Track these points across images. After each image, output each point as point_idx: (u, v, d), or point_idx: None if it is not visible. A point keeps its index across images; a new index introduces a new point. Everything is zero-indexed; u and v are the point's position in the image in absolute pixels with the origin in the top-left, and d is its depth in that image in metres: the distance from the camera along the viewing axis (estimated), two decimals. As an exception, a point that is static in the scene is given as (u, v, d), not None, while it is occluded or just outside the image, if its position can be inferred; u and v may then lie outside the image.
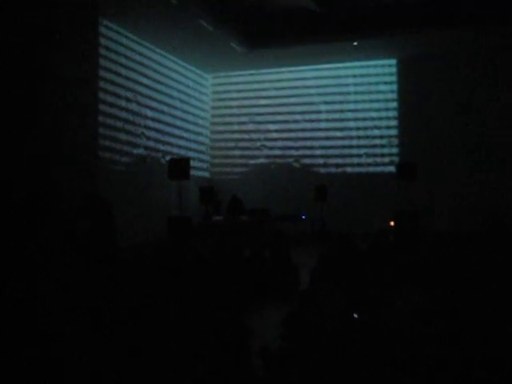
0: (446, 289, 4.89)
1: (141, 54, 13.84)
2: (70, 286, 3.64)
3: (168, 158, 13.24)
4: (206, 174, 17.23)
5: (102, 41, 12.04)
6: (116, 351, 3.91)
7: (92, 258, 3.82)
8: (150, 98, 14.21)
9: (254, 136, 17.23)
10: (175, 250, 6.10)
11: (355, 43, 14.09)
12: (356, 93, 16.11)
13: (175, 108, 15.46)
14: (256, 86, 17.25)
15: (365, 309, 3.97)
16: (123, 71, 13.04)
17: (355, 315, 3.53)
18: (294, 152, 16.72)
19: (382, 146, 15.82)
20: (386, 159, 15.68)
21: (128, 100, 13.19)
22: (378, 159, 15.77)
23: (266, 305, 6.34)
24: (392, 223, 13.04)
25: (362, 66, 16.01)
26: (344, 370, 3.38)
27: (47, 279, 3.48)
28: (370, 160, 15.85)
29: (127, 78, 13.18)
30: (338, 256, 5.64)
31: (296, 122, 16.77)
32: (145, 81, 13.99)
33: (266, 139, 17.07)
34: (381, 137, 15.86)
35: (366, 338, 3.52)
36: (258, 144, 17.15)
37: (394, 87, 15.78)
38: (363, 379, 3.33)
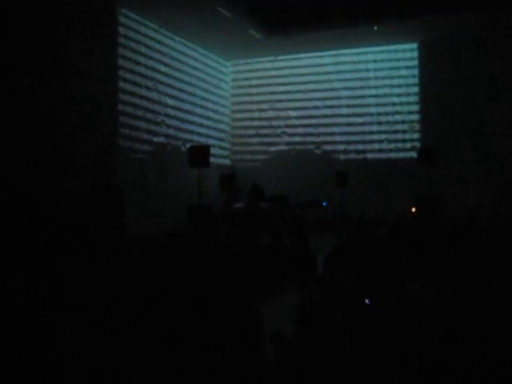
0: (460, 280, 4.84)
1: (160, 43, 13.87)
2: (80, 276, 3.70)
3: (188, 145, 13.28)
4: (227, 162, 17.25)
5: (121, 30, 12.11)
6: (130, 339, 3.97)
7: (104, 246, 3.87)
8: (170, 86, 14.25)
9: (274, 123, 17.19)
10: (194, 238, 6.15)
11: (375, 28, 13.92)
12: (377, 78, 15.94)
13: (195, 96, 15.48)
14: (275, 72, 17.18)
15: (379, 295, 3.96)
16: (142, 60, 13.08)
17: (367, 301, 3.53)
18: (314, 138, 16.65)
19: (404, 132, 15.65)
20: (408, 145, 15.52)
21: (148, 88, 13.25)
22: (400, 145, 15.62)
23: (283, 291, 6.35)
24: (414, 209, 12.93)
25: (382, 51, 15.82)
26: (355, 357, 3.38)
27: (57, 269, 3.54)
28: (391, 146, 15.71)
29: (146, 67, 13.23)
30: (353, 241, 5.62)
31: (316, 108, 16.68)
32: (164, 69, 14.03)
33: (287, 126, 17.02)
34: (402, 122, 15.69)
35: (378, 324, 3.52)
36: (279, 131, 17.10)
37: (416, 72, 15.56)
38: (374, 366, 3.33)
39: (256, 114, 17.46)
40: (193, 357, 3.85)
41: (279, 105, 17.10)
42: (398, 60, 15.70)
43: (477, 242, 7.19)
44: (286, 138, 16.99)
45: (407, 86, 15.63)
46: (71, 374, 3.42)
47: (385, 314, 3.48)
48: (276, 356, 3.71)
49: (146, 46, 13.27)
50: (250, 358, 3.59)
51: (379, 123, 15.89)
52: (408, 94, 15.62)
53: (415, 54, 15.55)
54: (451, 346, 3.32)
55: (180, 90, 14.73)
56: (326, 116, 16.52)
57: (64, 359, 3.45)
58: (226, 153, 17.33)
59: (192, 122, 15.23)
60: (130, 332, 4.14)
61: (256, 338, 3.66)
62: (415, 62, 15.54)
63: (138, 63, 12.92)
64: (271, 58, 17.03)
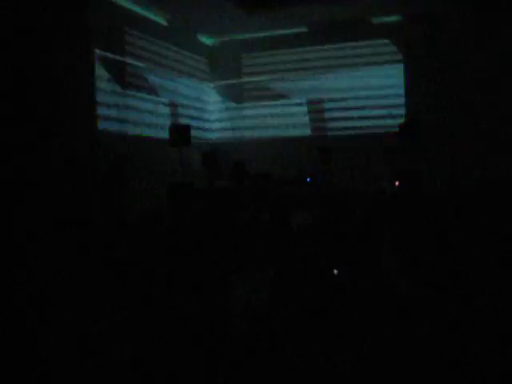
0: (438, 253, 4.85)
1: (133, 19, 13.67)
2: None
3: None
4: (210, 139, 17.18)
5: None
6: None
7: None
8: (145, 61, 14.07)
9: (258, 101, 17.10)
10: (168, 215, 6.13)
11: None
12: (359, 52, 15.84)
13: (172, 73, 15.31)
14: (258, 48, 17.03)
15: (350, 268, 3.96)
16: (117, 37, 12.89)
17: (335, 271, 3.53)
18: (297, 115, 16.58)
19: (387, 107, 15.63)
20: (391, 120, 15.48)
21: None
22: (383, 120, 15.58)
23: (261, 267, 6.36)
24: (397, 183, 12.98)
25: (368, 27, 15.69)
26: (324, 329, 3.39)
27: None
28: (375, 120, 15.68)
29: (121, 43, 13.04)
30: (329, 215, 5.63)
31: (297, 84, 16.58)
32: (141, 43, 13.84)
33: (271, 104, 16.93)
34: (385, 97, 15.65)
35: (347, 297, 3.52)
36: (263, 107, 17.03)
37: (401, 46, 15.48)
38: (344, 338, 3.34)
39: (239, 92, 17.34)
40: (162, 330, 3.86)
41: (263, 82, 17.00)
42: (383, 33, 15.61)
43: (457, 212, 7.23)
44: (271, 114, 16.92)
45: (392, 60, 15.56)
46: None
47: (353, 287, 3.49)
48: (248, 330, 3.73)
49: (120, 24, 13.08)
50: (219, 332, 3.59)
51: (363, 98, 15.84)
52: (392, 68, 15.56)
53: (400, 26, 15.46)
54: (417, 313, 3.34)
55: (157, 66, 14.53)
56: (311, 92, 16.44)
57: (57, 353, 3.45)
58: (209, 131, 17.24)
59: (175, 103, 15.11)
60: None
61: (223, 309, 3.66)
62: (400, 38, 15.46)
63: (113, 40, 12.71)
64: (251, 35, 16.85)
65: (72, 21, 9.97)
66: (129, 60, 13.23)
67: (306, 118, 16.48)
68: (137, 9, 13.56)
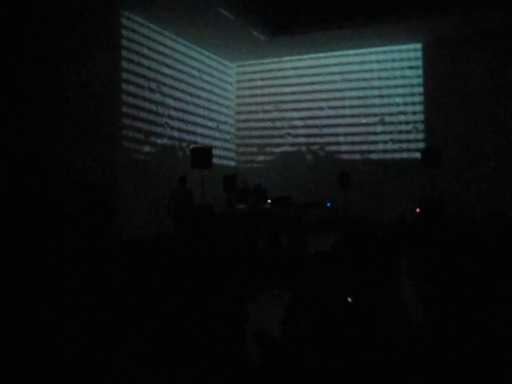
0: (454, 281, 4.78)
1: (163, 45, 13.91)
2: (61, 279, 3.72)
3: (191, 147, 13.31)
4: (232, 163, 17.27)
5: (124, 32, 12.17)
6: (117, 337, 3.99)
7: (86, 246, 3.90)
8: (173, 87, 14.29)
9: (278, 124, 17.20)
10: (188, 239, 6.16)
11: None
12: (380, 78, 15.90)
13: (198, 97, 15.51)
14: (279, 73, 17.21)
15: (366, 295, 3.94)
16: (146, 62, 13.13)
17: (349, 299, 3.52)
18: (318, 139, 16.64)
19: (408, 132, 15.60)
20: (412, 145, 15.46)
21: (151, 90, 13.29)
22: (404, 145, 15.56)
23: (277, 292, 6.35)
24: (418, 210, 12.87)
25: (386, 51, 15.78)
26: (339, 356, 3.37)
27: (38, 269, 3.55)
28: (395, 146, 15.66)
29: (150, 69, 13.27)
30: (349, 241, 5.61)
31: (320, 109, 16.67)
32: (167, 71, 14.07)
33: (291, 127, 17.02)
34: (406, 123, 15.64)
35: (362, 325, 3.50)
36: (283, 132, 17.10)
37: (420, 72, 15.51)
38: (359, 367, 3.31)
39: (260, 115, 17.48)
40: (177, 356, 3.86)
41: (283, 106, 17.11)
42: (402, 60, 15.66)
43: (476, 245, 7.14)
44: (290, 139, 16.99)
45: (411, 86, 15.59)
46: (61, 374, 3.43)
47: (367, 314, 3.46)
48: (261, 356, 3.71)
49: (149, 48, 13.32)
50: (232, 357, 3.59)
51: (383, 124, 15.84)
52: (412, 95, 15.57)
53: (419, 53, 15.49)
54: (436, 346, 3.30)
55: (183, 91, 14.77)
56: (330, 117, 16.50)
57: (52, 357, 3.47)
58: (230, 154, 17.35)
59: (196, 124, 15.26)
60: (117, 332, 4.16)
61: (239, 337, 3.66)
62: (419, 62, 15.49)
63: (141, 65, 12.97)
64: (275, 59, 17.04)
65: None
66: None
67: (327, 140, 16.51)
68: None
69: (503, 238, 6.94)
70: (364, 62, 16.07)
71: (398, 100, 15.68)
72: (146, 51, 13.15)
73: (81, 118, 10.13)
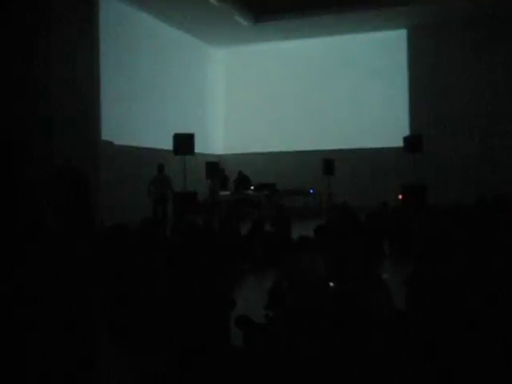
0: (435, 262, 4.78)
1: (145, 30, 13.72)
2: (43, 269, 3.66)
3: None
4: (215, 150, 17.18)
5: (104, 17, 11.90)
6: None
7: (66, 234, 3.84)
8: (155, 73, 14.12)
9: (265, 112, 17.13)
10: (169, 224, 6.11)
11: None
12: (365, 65, 15.87)
13: (182, 83, 15.35)
14: (265, 60, 17.11)
15: (348, 280, 3.93)
16: (126, 47, 12.94)
17: (331, 284, 3.50)
18: (303, 127, 16.60)
19: (392, 120, 15.63)
20: (395, 133, 15.48)
21: (132, 76, 13.12)
22: (387, 133, 15.57)
23: (261, 277, 6.35)
24: (400, 197, 12.92)
25: (371, 38, 15.74)
26: (321, 341, 3.36)
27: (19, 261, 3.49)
28: (378, 133, 15.67)
29: (130, 54, 13.09)
30: (331, 227, 5.60)
31: (304, 96, 16.62)
32: (149, 56, 13.89)
33: (277, 115, 16.95)
34: (390, 110, 15.67)
35: (344, 309, 3.48)
36: (269, 120, 17.06)
37: (404, 59, 15.51)
38: (341, 351, 3.30)
39: (247, 103, 17.39)
40: (163, 341, 3.84)
41: (270, 94, 17.04)
42: (386, 47, 15.64)
43: (459, 227, 7.17)
44: (276, 127, 16.94)
45: (396, 72, 15.58)
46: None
47: (350, 299, 3.45)
48: (244, 341, 3.70)
49: (131, 35, 13.13)
50: (217, 342, 3.57)
51: (367, 111, 15.85)
52: (396, 82, 15.57)
53: (404, 40, 15.49)
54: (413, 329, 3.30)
55: (167, 77, 14.60)
56: (314, 104, 16.47)
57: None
58: (214, 141, 17.26)
59: (179, 110, 15.11)
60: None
61: (224, 322, 3.63)
62: (404, 50, 15.49)
63: (122, 51, 12.77)
64: (259, 45, 16.93)
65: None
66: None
67: (312, 128, 16.49)
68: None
69: (486, 220, 6.98)
70: (348, 49, 16.02)
71: (382, 87, 15.68)
72: (126, 36, 12.95)
73: (60, 105, 9.97)
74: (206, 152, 15.63)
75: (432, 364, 3.09)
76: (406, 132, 14.82)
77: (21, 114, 8.86)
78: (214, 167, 12.91)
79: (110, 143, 12.01)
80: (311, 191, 14.65)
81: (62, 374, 3.40)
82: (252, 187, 13.91)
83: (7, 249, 3.30)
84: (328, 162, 14.30)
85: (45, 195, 6.77)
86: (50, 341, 3.57)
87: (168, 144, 11.89)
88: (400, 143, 13.17)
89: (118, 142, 12.34)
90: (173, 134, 11.52)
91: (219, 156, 17.01)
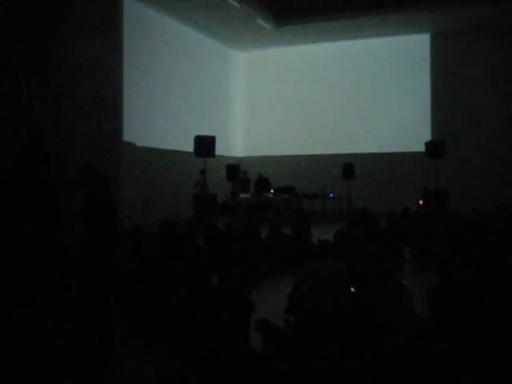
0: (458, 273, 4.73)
1: (168, 33, 13.81)
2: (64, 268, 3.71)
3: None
4: (236, 153, 17.22)
5: (127, 19, 11.98)
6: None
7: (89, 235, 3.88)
8: (177, 75, 14.20)
9: (284, 115, 17.13)
10: (192, 226, 6.15)
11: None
12: (387, 69, 15.80)
13: (204, 86, 15.43)
14: (287, 64, 17.12)
15: (369, 286, 3.92)
16: (148, 51, 13.03)
17: (352, 289, 3.50)
18: (324, 130, 16.57)
19: (413, 124, 15.51)
20: (417, 137, 15.37)
21: (154, 78, 13.21)
22: (409, 137, 15.45)
23: (281, 281, 6.35)
24: (421, 202, 12.83)
25: (393, 42, 15.67)
26: (341, 346, 3.35)
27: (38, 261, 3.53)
28: (400, 138, 15.56)
29: (152, 57, 13.18)
30: (352, 231, 5.59)
31: (325, 100, 16.59)
32: (171, 59, 13.98)
33: (297, 117, 16.94)
34: (412, 114, 15.56)
35: (364, 315, 3.48)
36: (290, 122, 17.05)
37: (427, 63, 15.40)
38: (360, 356, 3.30)
39: (268, 106, 17.41)
40: (183, 343, 3.87)
41: (291, 97, 17.04)
42: (410, 51, 15.54)
43: (480, 236, 7.10)
44: (296, 130, 16.93)
45: (418, 77, 15.47)
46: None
47: (370, 305, 3.44)
48: (263, 344, 3.71)
49: (153, 37, 13.22)
50: (236, 345, 3.59)
51: (389, 115, 15.76)
52: (419, 86, 15.46)
53: (427, 45, 15.39)
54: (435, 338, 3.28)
55: (188, 80, 14.68)
56: (336, 107, 16.42)
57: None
58: (235, 143, 17.30)
59: (200, 113, 15.18)
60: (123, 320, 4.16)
61: (243, 325, 3.65)
62: (427, 54, 15.39)
63: (144, 54, 12.87)
64: (282, 49, 16.95)
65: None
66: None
67: (332, 131, 16.45)
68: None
69: (507, 229, 6.91)
70: (371, 53, 15.96)
71: (405, 92, 15.58)
72: (149, 40, 13.05)
73: (83, 106, 10.06)
74: (226, 154, 15.68)
75: (454, 373, 3.07)
76: (428, 137, 14.69)
77: (44, 114, 8.97)
78: (235, 170, 12.95)
79: (133, 145, 12.11)
80: (331, 195, 14.60)
81: (75, 375, 3.44)
82: (272, 190, 13.92)
83: (29, 249, 3.35)
84: (348, 166, 14.26)
85: (67, 196, 6.86)
86: (66, 341, 3.62)
87: (189, 146, 11.99)
88: (421, 148, 13.07)
89: (140, 143, 12.44)
90: (194, 136, 11.63)
91: (239, 159, 17.05)
